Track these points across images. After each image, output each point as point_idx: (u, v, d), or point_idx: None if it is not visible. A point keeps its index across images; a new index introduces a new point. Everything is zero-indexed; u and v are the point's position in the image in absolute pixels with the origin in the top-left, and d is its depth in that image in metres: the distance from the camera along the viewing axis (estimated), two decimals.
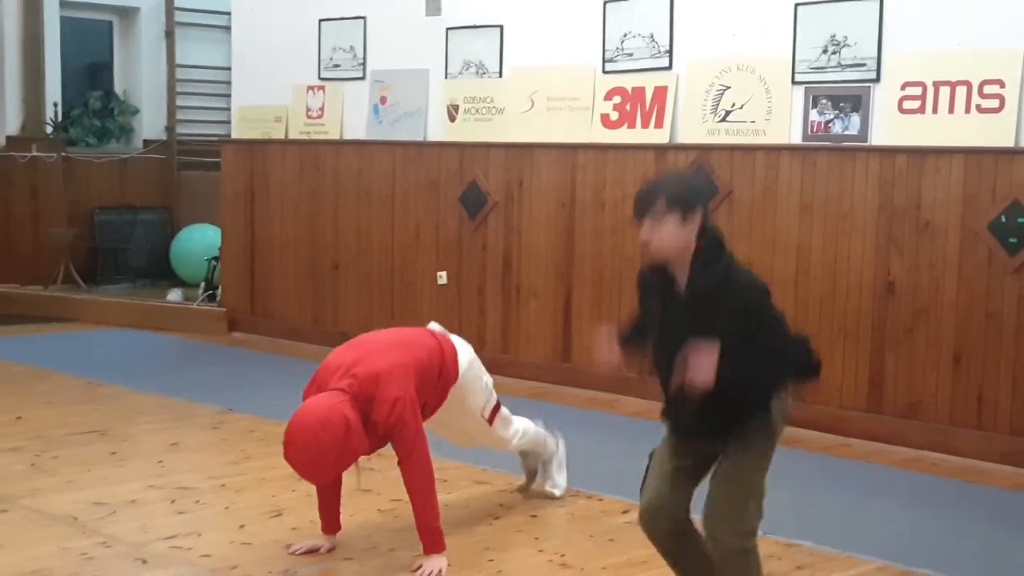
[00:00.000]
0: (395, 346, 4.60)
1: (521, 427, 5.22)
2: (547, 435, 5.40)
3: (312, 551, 4.62)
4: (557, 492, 5.42)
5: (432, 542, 4.47)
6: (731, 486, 3.58)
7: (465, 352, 4.92)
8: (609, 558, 4.68)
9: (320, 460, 4.23)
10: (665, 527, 3.65)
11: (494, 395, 5.08)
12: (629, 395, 7.46)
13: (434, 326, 5.00)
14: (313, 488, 4.81)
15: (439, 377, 4.69)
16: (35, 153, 11.87)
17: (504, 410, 5.12)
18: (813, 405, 6.75)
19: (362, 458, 4.44)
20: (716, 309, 3.46)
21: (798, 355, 3.63)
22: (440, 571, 4.42)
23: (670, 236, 3.50)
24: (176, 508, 5.19)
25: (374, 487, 5.26)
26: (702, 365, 3.34)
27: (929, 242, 6.40)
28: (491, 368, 8.05)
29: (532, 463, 5.49)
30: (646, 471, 3.70)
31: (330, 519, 4.68)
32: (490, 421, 5.03)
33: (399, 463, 4.48)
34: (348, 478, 4.60)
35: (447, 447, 5.29)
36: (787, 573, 4.55)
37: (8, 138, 11.94)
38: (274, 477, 5.63)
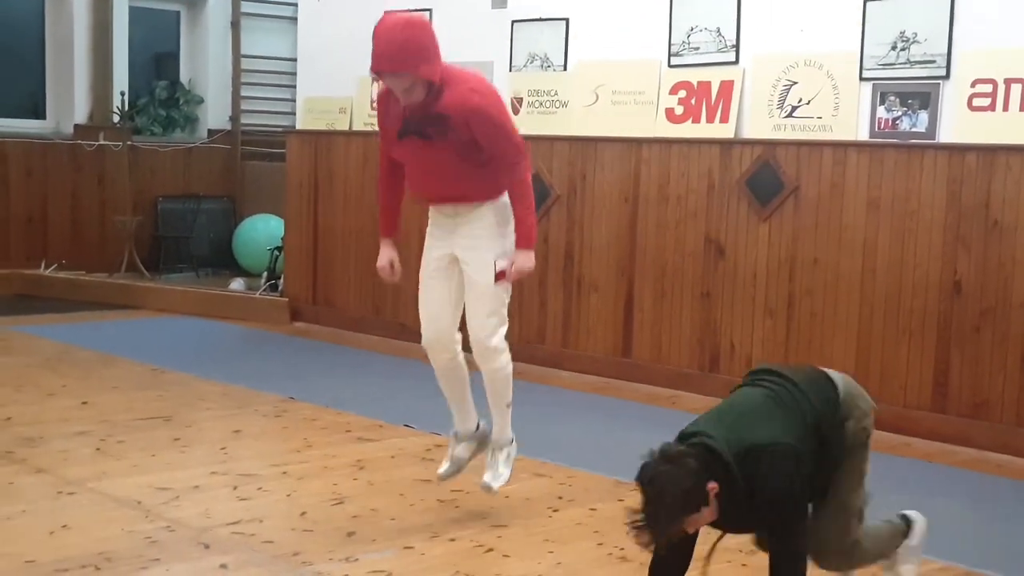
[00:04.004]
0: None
1: (507, 355, 4.94)
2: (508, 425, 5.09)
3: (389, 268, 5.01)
4: (494, 485, 5.02)
5: (526, 236, 4.77)
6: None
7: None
8: None
9: (406, 44, 4.44)
10: None
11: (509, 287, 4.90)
12: (690, 391, 7.44)
13: None
14: (374, 478, 4.80)
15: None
16: (102, 142, 12.01)
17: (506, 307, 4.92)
18: (877, 404, 6.68)
19: None
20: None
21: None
22: (528, 268, 4.79)
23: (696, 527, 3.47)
24: (239, 494, 5.23)
25: (435, 477, 5.26)
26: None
27: (998, 241, 6.32)
28: (552, 362, 8.18)
29: (480, 443, 5.14)
30: None
31: (390, 221, 5.02)
32: (497, 278, 4.80)
33: (503, 167, 4.69)
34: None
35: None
36: (847, 573, 4.51)
37: (76, 126, 12.09)
38: (336, 465, 5.68)
